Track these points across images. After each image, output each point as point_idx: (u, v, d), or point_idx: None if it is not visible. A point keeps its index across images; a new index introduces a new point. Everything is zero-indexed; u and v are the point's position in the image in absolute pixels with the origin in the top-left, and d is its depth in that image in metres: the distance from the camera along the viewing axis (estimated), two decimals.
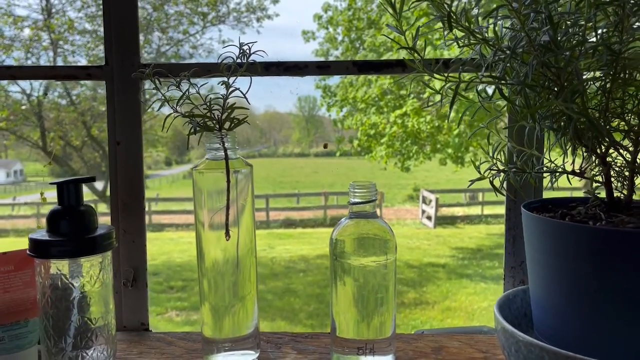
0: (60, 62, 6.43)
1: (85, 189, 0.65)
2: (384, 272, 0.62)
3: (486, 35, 0.58)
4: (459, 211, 9.93)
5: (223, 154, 0.63)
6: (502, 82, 0.56)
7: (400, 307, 5.03)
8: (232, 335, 0.65)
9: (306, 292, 5.46)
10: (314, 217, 9.41)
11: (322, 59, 8.38)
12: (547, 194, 0.71)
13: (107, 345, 0.64)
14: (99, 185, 7.13)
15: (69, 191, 0.62)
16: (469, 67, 0.63)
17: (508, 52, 0.56)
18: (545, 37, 0.54)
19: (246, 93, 0.64)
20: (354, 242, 0.62)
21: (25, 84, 6.39)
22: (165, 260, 6.38)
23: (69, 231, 0.61)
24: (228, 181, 0.62)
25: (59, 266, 0.61)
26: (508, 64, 0.56)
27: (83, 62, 6.64)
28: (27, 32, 6.24)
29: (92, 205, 0.65)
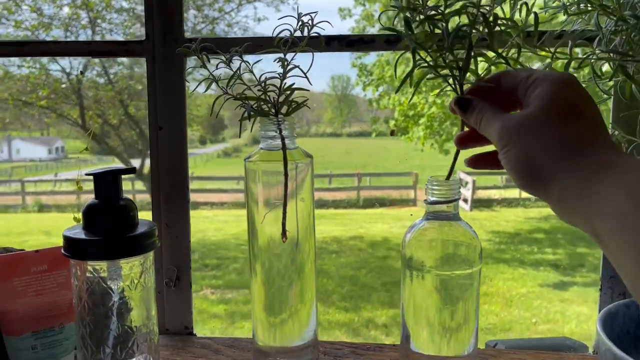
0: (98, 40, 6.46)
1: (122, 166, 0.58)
2: (468, 283, 0.53)
3: (603, 1, 0.48)
4: (495, 194, 9.68)
5: (279, 143, 0.55)
6: (627, 58, 0.46)
7: None
8: (288, 344, 0.58)
9: (339, 273, 5.41)
10: (346, 198, 9.33)
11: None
12: None
13: (149, 354, 0.58)
14: (136, 163, 7.21)
15: (106, 183, 0.55)
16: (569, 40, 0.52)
17: (633, 21, 0.45)
18: None
19: (307, 72, 0.55)
20: (433, 250, 0.53)
21: (64, 62, 6.46)
22: (200, 239, 6.43)
23: (107, 229, 0.54)
24: (285, 175, 0.54)
25: (97, 268, 0.55)
26: (634, 35, 0.46)
27: (120, 40, 6.65)
28: (65, 10, 6.28)
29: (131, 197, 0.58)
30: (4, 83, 6.34)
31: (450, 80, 0.44)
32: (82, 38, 6.44)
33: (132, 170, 0.57)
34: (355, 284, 5.01)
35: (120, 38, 6.61)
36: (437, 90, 0.54)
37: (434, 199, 0.53)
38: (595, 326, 0.55)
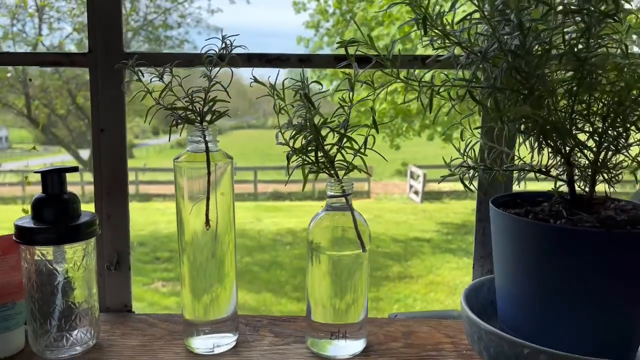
0: (45, 29, 6.31)
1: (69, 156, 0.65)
2: (358, 262, 0.65)
3: (460, 38, 0.60)
4: (445, 186, 10.00)
5: (204, 146, 0.65)
6: (474, 85, 0.58)
7: (384, 280, 5.12)
8: (211, 318, 0.68)
9: (293, 265, 5.52)
10: (302, 190, 9.42)
11: (312, 30, 8.22)
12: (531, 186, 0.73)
13: (90, 327, 0.67)
14: (84, 154, 7.07)
15: (52, 180, 0.64)
16: (444, 65, 0.65)
17: (480, 55, 0.58)
18: (516, 41, 0.56)
19: (227, 87, 0.65)
20: (327, 234, 0.65)
21: (9, 50, 6.26)
22: (152, 231, 6.40)
23: (53, 219, 0.64)
24: (209, 174, 0.64)
25: (44, 252, 0.64)
26: (481, 66, 0.58)
27: (68, 29, 6.51)
28: None
29: (74, 192, 0.67)
30: None
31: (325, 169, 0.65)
32: (28, 26, 6.27)
33: (75, 169, 0.66)
34: None
35: (68, 26, 6.46)
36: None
37: (331, 193, 0.65)
38: None
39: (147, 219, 6.92)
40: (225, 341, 0.69)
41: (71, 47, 6.75)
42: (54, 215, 0.64)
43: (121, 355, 0.67)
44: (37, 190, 0.65)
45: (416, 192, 9.21)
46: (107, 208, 0.78)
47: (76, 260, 0.65)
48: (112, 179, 0.77)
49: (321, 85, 0.67)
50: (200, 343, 0.68)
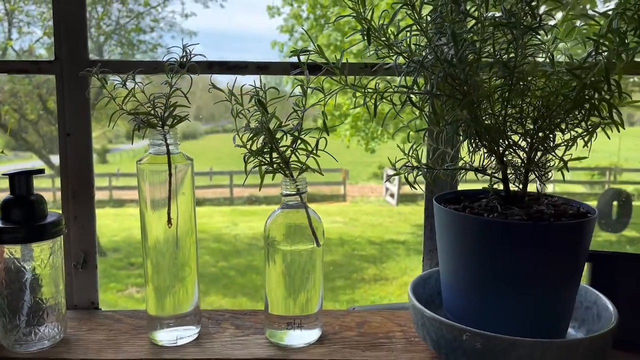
0: (15, 33, 6.22)
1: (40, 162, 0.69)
2: (312, 256, 0.69)
3: (402, 48, 0.65)
4: (420, 189, 10.08)
5: (165, 149, 0.69)
6: (413, 91, 0.64)
7: (359, 282, 5.18)
8: (173, 313, 0.72)
9: None
10: (278, 194, 9.44)
11: (287, 34, 8.28)
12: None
13: (58, 322, 0.70)
14: (55, 160, 6.97)
15: (20, 182, 0.67)
16: (391, 72, 0.70)
17: (418, 64, 0.63)
18: (453, 51, 0.62)
19: (187, 93, 0.69)
20: (284, 231, 0.69)
21: None
22: (126, 237, 6.34)
23: (21, 219, 0.67)
24: (170, 175, 0.68)
25: (12, 251, 0.67)
26: (422, 74, 0.63)
27: (39, 32, 6.44)
28: None
29: (44, 196, 0.70)
30: None
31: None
32: None
33: (41, 171, 0.69)
34: None
35: (38, 30, 6.38)
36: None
37: (286, 192, 0.70)
38: None
39: (120, 224, 6.85)
40: (188, 333, 0.73)
41: (42, 52, 6.67)
42: (21, 216, 0.67)
43: (88, 349, 0.70)
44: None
45: (392, 195, 9.30)
46: (74, 209, 0.81)
47: (43, 259, 0.68)
48: (78, 182, 0.81)
49: (278, 90, 0.72)
50: (164, 335, 0.72)
